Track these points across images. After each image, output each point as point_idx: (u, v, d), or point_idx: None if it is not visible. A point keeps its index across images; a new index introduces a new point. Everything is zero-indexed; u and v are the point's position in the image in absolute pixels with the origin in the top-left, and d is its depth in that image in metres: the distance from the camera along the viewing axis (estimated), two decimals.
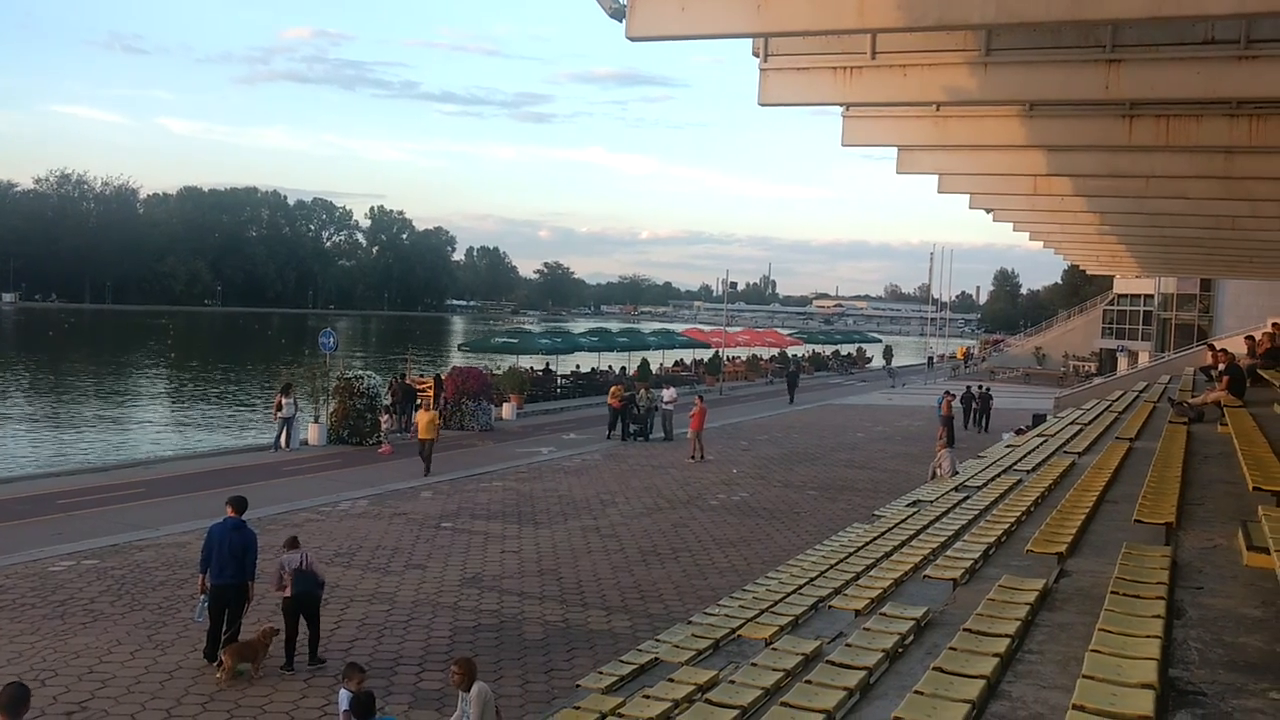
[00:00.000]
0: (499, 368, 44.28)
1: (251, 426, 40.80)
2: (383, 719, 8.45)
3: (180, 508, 21.10)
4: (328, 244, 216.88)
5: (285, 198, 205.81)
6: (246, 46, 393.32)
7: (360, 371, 35.27)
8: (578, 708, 8.45)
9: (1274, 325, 28.91)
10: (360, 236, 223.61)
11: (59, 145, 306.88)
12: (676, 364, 60.80)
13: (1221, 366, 19.28)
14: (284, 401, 29.23)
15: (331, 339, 33.41)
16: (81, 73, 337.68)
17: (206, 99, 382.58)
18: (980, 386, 44.60)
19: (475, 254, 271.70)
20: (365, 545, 18.27)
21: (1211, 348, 27.98)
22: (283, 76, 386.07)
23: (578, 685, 9.94)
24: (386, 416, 30.62)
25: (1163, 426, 17.20)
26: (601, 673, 9.75)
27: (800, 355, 75.56)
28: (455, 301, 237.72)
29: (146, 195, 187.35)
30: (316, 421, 30.88)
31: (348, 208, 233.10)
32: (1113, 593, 6.90)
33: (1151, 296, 73.82)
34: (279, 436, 29.49)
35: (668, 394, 35.58)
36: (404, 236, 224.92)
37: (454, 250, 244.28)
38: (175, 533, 18.75)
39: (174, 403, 50.67)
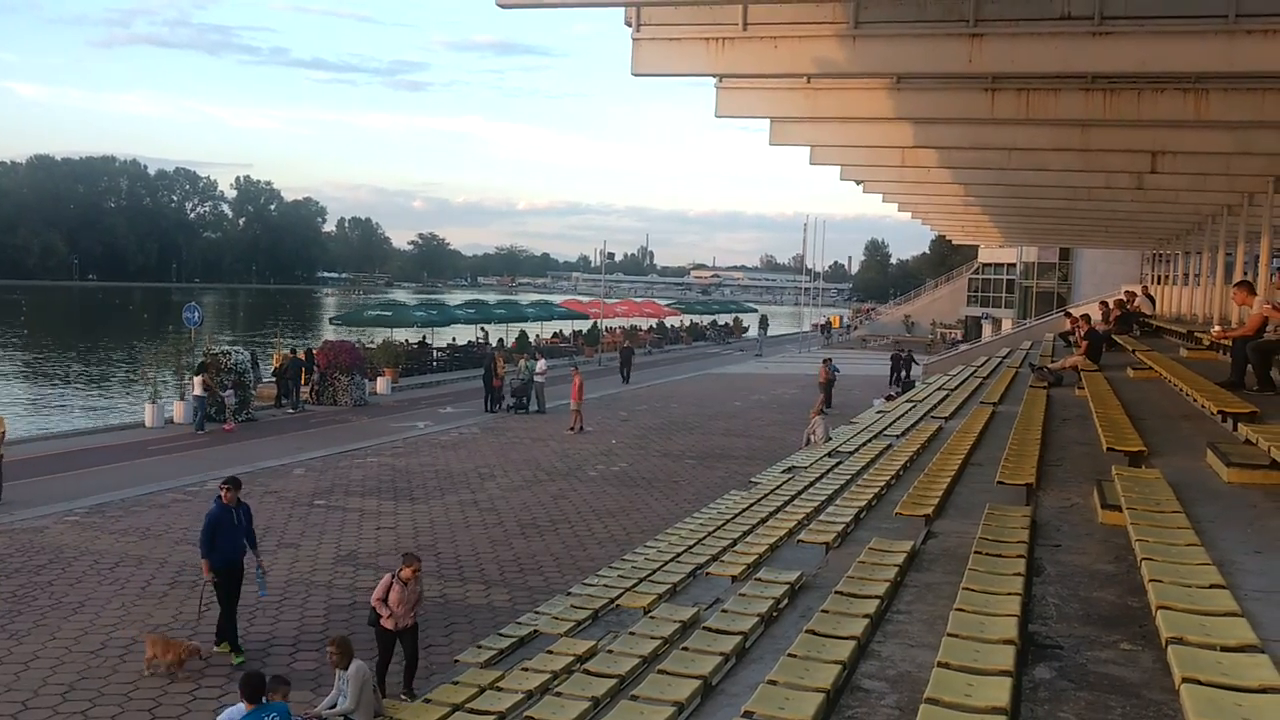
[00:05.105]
0: (372, 341, 43.48)
1: (111, 403, 39.30)
2: (273, 705, 8.20)
3: (38, 491, 20.21)
4: (191, 215, 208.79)
5: (145, 167, 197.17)
6: (104, 8, 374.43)
7: (227, 347, 34.28)
8: (456, 683, 8.42)
9: (1127, 293, 30.19)
10: (226, 207, 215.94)
11: None
12: (555, 335, 60.56)
13: (1082, 332, 20.04)
14: (196, 380, 28.53)
15: (196, 313, 32.31)
16: None
17: (60, 63, 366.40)
18: (904, 350, 48.04)
19: (347, 225, 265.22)
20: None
21: (1069, 314, 29.10)
22: (143, 40, 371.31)
23: (456, 660, 9.90)
24: (229, 392, 29.58)
25: (1024, 391, 17.82)
26: (480, 647, 9.73)
27: (634, 326, 69.03)
28: (327, 274, 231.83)
29: None
30: (182, 399, 29.91)
31: (212, 178, 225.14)
32: (976, 552, 7.12)
33: (1014, 265, 76.29)
34: (199, 417, 28.51)
35: (540, 365, 35.46)
36: (272, 207, 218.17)
37: (324, 221, 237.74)
38: (31, 517, 17.97)
39: (30, 382, 48.35)
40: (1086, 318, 21.88)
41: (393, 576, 10.86)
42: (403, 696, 10.23)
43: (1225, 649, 4.77)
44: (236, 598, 12.27)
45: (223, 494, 12.15)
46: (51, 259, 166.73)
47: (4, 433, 20.06)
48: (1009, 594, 6.14)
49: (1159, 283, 40.66)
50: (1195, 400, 12.60)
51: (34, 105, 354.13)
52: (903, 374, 43.94)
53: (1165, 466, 9.18)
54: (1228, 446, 9.31)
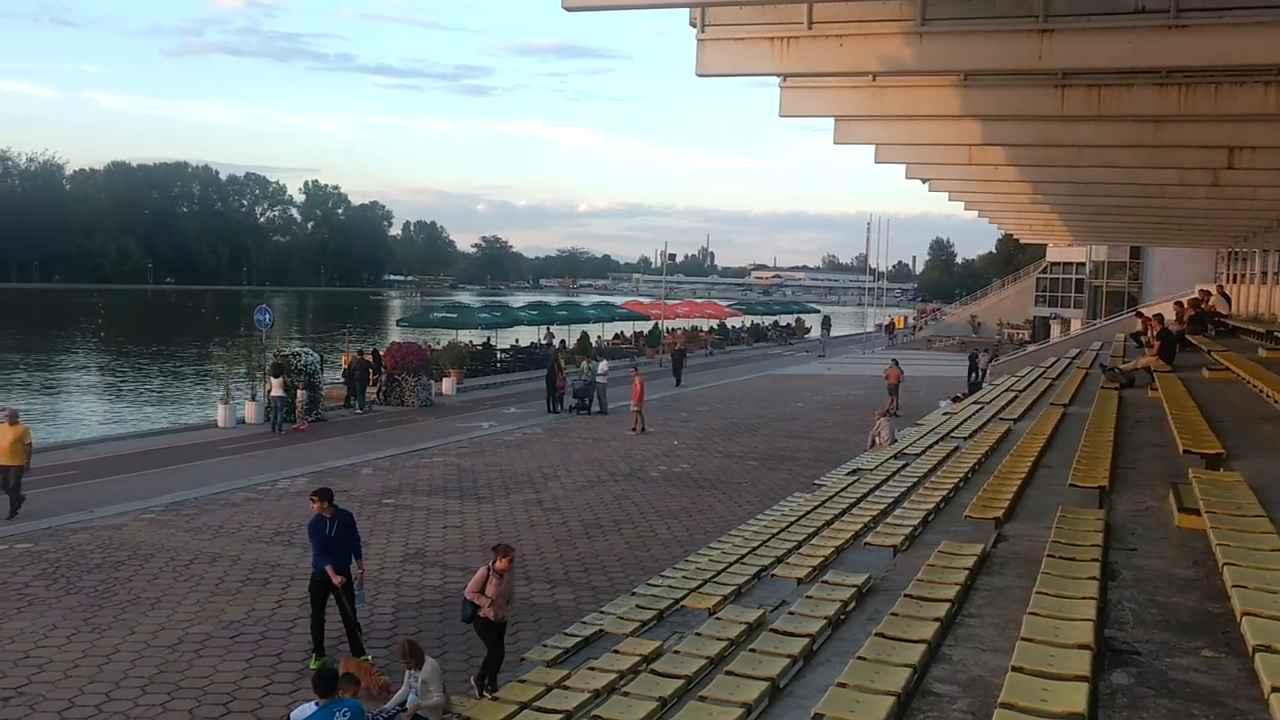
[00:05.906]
0: (438, 342, 43.91)
1: (185, 403, 40.12)
2: (344, 701, 8.30)
3: (116, 489, 20.70)
4: (261, 219, 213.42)
5: (217, 172, 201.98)
6: (178, 18, 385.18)
7: (298, 349, 34.81)
8: (523, 681, 8.46)
9: (1201, 291, 29.54)
10: (295, 211, 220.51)
11: None
12: (616, 336, 60.69)
13: (1155, 332, 19.64)
14: (274, 382, 29.02)
15: (267, 315, 32.88)
16: (8, 46, 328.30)
17: (137, 72, 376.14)
18: (981, 349, 49.54)
19: (412, 228, 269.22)
20: (305, 523, 18.00)
21: (1141, 314, 28.54)
22: (215, 49, 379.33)
23: (523, 658, 9.94)
24: (301, 391, 29.99)
25: (1095, 392, 17.51)
26: (546, 645, 9.77)
27: (680, 328, 67.92)
28: (393, 277, 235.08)
29: (74, 171, 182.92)
30: (254, 399, 30.44)
31: (281, 182, 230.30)
32: (1049, 556, 7.00)
33: (1083, 264, 74.91)
34: (277, 417, 29.04)
35: (602, 366, 35.57)
36: (339, 211, 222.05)
37: (390, 225, 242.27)
38: (110, 515, 18.40)
39: (108, 382, 49.60)
40: (1159, 317, 21.44)
41: (488, 569, 10.72)
42: (472, 692, 10.30)
43: None
44: (350, 610, 11.94)
45: (313, 505, 12.19)
46: (127, 263, 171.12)
47: (30, 444, 18.84)
48: (1084, 598, 6.04)
49: (1235, 281, 39.69)
50: (1276, 402, 12.29)
51: (113, 114, 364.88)
52: (976, 375, 42.86)
53: (1245, 469, 8.97)
54: None
